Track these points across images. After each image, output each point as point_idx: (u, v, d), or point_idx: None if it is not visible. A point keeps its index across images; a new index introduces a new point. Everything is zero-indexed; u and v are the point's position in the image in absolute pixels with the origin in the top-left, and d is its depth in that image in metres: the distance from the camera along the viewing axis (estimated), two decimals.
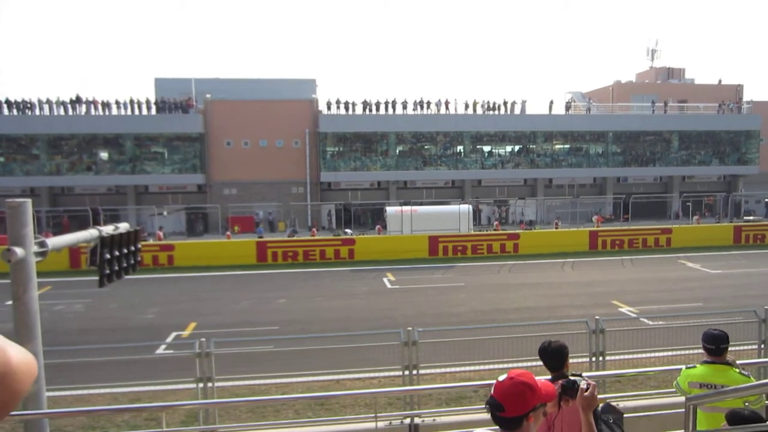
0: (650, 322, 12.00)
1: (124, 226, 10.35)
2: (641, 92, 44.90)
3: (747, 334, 9.35)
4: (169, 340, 13.68)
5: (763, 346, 8.79)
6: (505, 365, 8.22)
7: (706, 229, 30.76)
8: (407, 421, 6.81)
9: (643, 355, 9.61)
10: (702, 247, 27.60)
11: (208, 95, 36.91)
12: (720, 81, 46.99)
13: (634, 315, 14.85)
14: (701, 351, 9.77)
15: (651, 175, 42.85)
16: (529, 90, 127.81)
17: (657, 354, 9.70)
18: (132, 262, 10.38)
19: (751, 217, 35.52)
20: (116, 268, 9.48)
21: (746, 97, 45.26)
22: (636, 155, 42.01)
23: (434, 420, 6.83)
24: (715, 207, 40.49)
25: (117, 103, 35.85)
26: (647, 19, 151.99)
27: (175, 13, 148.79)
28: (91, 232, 8.85)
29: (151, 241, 26.89)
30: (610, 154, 41.70)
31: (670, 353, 9.91)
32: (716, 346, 4.55)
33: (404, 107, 38.50)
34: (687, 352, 9.87)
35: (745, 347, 9.38)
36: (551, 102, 40.53)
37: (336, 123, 37.93)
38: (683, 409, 4.06)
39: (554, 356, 3.87)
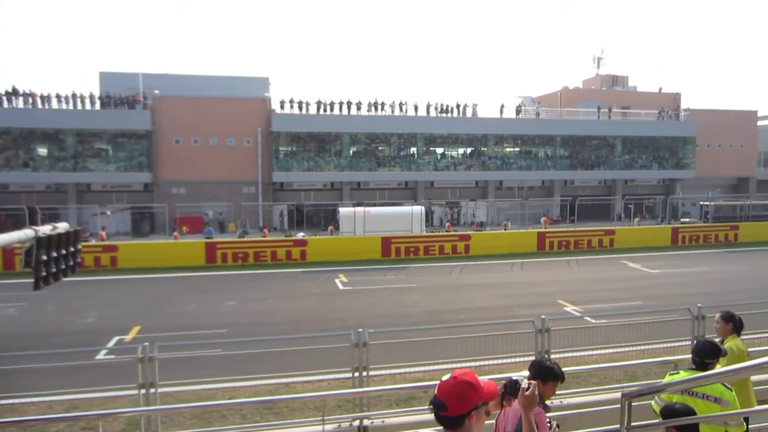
0: (593, 321, 12.39)
1: (63, 226, 9.91)
2: (588, 98, 46.47)
3: (682, 330, 9.78)
4: (110, 344, 13.18)
5: (695, 342, 9.17)
6: (455, 365, 8.29)
7: (646, 230, 32.05)
8: (356, 423, 6.78)
9: (587, 353, 9.90)
10: (642, 247, 28.78)
11: (156, 91, 35.86)
12: (660, 89, 49.17)
13: (578, 314, 15.29)
14: (642, 348, 10.13)
15: (596, 179, 44.33)
16: (481, 93, 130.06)
17: (599, 351, 10.01)
18: (71, 263, 9.96)
19: (687, 220, 37.21)
20: (53, 269, 9.06)
21: (683, 105, 47.51)
22: (582, 159, 43.37)
23: (383, 422, 6.82)
24: (654, 209, 42.25)
25: (58, 96, 34.33)
26: (594, 27, 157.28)
27: (123, 6, 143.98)
28: (26, 232, 8.43)
29: (93, 242, 25.89)
30: (557, 158, 42.89)
31: (612, 350, 10.27)
32: (700, 359, 4.45)
33: (358, 108, 38.50)
34: (628, 349, 10.24)
35: (680, 343, 9.81)
36: (502, 106, 41.43)
37: (289, 122, 37.51)
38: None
39: (533, 369, 3.84)
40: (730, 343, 5.58)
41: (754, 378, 7.44)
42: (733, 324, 5.68)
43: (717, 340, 5.63)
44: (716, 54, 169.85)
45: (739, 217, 33.89)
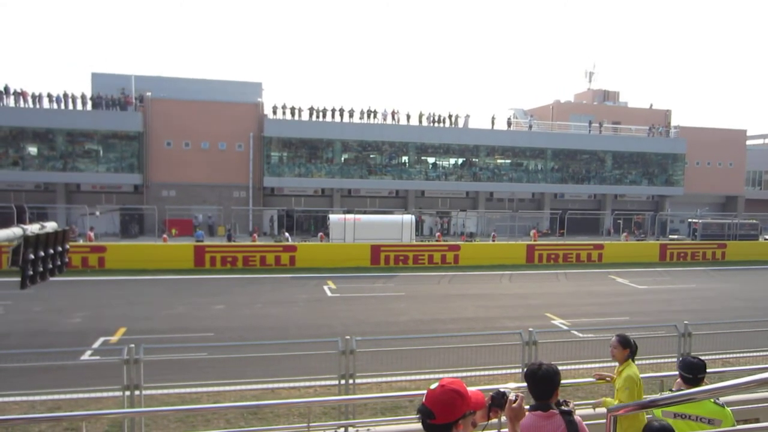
0: (580, 335, 12.44)
1: (51, 225, 9.84)
2: (579, 112, 46.77)
3: (668, 347, 9.83)
4: (96, 345, 13.06)
5: (682, 360, 9.23)
6: (442, 375, 8.27)
7: (634, 246, 32.25)
8: (341, 431, 6.76)
9: (573, 367, 9.92)
10: (631, 263, 28.92)
11: (148, 93, 35.77)
12: (651, 105, 49.56)
13: (565, 327, 15.34)
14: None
15: (586, 192, 44.58)
16: (473, 104, 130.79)
17: (586, 366, 10.03)
18: (59, 263, 9.87)
19: (676, 236, 37.44)
20: (41, 269, 8.98)
21: (674, 122, 47.97)
22: (572, 173, 43.66)
23: (368, 430, 6.80)
24: (643, 225, 42.58)
25: (49, 96, 34.17)
26: (586, 42, 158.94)
27: (117, 7, 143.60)
28: (14, 231, 8.37)
29: (81, 242, 25.68)
30: (548, 171, 43.17)
31: (597, 365, 10.27)
32: (693, 375, 4.40)
33: (351, 116, 38.59)
34: (614, 364, 10.27)
35: (666, 360, 9.87)
36: (493, 117, 41.66)
37: (281, 128, 37.54)
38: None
39: (542, 383, 3.32)
40: (630, 371, 5.22)
41: (736, 398, 7.52)
42: (630, 350, 5.34)
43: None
44: (707, 72, 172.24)
45: (727, 235, 34.14)
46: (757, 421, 6.90)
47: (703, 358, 5.48)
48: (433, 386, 2.31)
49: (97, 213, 32.21)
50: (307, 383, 9.57)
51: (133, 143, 35.88)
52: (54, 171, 34.52)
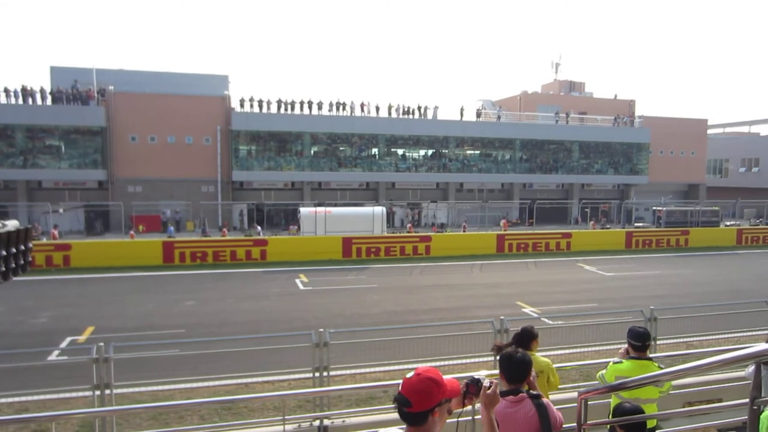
0: (550, 322, 12.65)
1: (12, 224, 9.55)
2: (546, 103, 47.38)
3: None
4: (63, 345, 12.77)
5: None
6: (416, 365, 8.32)
7: (601, 234, 32.92)
8: (316, 423, 6.77)
9: (544, 353, 10.09)
10: (598, 250, 29.54)
11: (111, 87, 34.88)
12: (616, 96, 50.54)
13: (536, 315, 15.60)
14: (597, 349, 10.41)
15: (554, 182, 45.28)
16: (442, 96, 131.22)
17: (556, 351, 10.23)
18: (21, 262, 9.59)
19: (641, 224, 38.34)
20: (3, 268, 8.72)
21: (638, 112, 49.01)
22: (540, 163, 44.26)
23: (344, 421, 6.83)
24: (609, 213, 43.51)
25: (6, 91, 33.05)
26: (553, 33, 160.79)
27: None
28: None
29: (44, 240, 25.02)
30: (516, 161, 43.66)
31: (568, 351, 10.52)
32: (642, 342, 4.84)
33: (320, 108, 38.37)
34: (584, 349, 10.52)
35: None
36: (462, 108, 41.93)
37: (249, 121, 37.08)
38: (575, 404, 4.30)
39: (521, 365, 3.49)
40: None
41: (700, 378, 7.77)
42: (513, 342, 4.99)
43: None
44: (669, 63, 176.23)
45: (689, 222, 35.15)
46: (720, 401, 7.16)
47: (668, 341, 5.68)
48: (409, 375, 2.32)
49: (61, 210, 31.38)
50: (282, 377, 9.54)
51: (96, 138, 34.98)
52: (14, 168, 33.46)
